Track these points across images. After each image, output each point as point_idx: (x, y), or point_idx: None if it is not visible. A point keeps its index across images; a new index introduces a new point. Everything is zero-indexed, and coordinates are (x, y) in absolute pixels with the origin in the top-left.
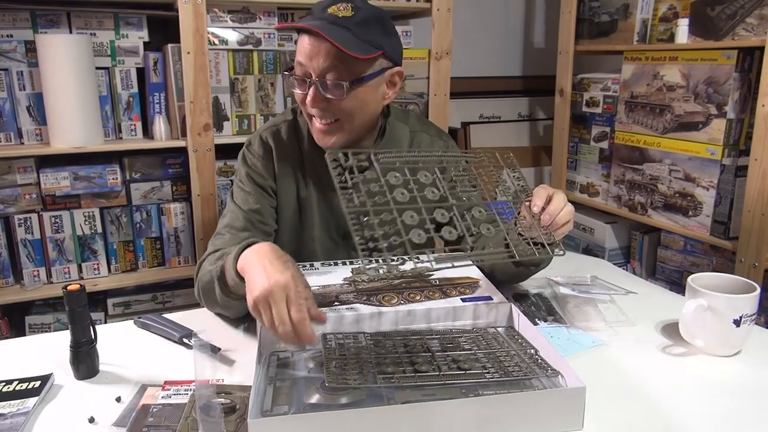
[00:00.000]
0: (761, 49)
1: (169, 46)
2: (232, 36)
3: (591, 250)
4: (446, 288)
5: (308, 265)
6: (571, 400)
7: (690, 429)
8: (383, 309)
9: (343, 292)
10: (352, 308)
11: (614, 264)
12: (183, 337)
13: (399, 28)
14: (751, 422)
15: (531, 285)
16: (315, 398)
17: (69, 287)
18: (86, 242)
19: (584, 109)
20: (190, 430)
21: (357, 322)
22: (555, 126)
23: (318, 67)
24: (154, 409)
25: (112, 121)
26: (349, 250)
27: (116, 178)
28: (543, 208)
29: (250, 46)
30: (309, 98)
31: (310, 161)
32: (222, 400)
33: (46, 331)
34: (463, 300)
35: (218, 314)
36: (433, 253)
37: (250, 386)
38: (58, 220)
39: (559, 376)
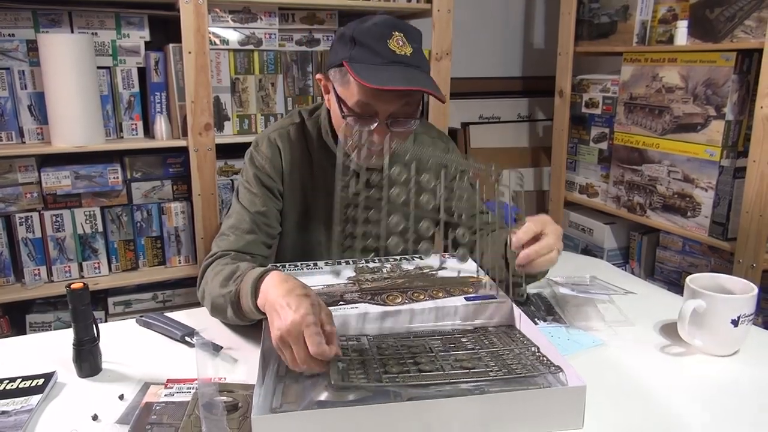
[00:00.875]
0: (760, 51)
1: (171, 45)
2: (233, 36)
3: (590, 250)
4: (450, 287)
5: (312, 265)
6: (571, 399)
7: (688, 428)
8: (387, 308)
9: (348, 291)
10: (356, 307)
11: (613, 264)
12: (185, 335)
13: None
14: (748, 421)
15: (530, 285)
16: (324, 396)
17: (72, 286)
18: (87, 241)
19: (583, 110)
20: (193, 428)
21: (362, 321)
22: (554, 127)
23: (391, 107)
24: (157, 407)
25: (113, 120)
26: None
27: (117, 178)
28: (528, 242)
29: (251, 46)
30: (380, 137)
31: (319, 165)
32: (224, 398)
33: (47, 330)
34: (467, 299)
35: None
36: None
37: (253, 384)
38: (59, 219)
39: (562, 373)
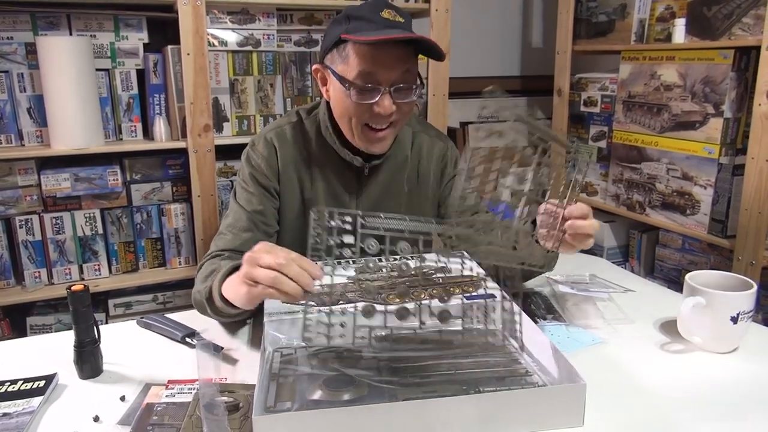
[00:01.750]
0: (757, 48)
1: (169, 47)
2: (231, 37)
3: (589, 248)
4: (450, 286)
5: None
6: (571, 397)
7: (688, 424)
8: (388, 307)
9: (348, 290)
10: (357, 306)
11: (613, 263)
12: (185, 336)
13: None
14: (747, 418)
15: (530, 283)
16: (318, 395)
17: (73, 287)
18: (87, 243)
19: (582, 108)
20: (194, 428)
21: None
22: (553, 125)
23: (393, 74)
24: (158, 408)
25: (113, 122)
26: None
27: (117, 179)
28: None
29: (249, 48)
30: (385, 108)
31: (318, 163)
32: (225, 398)
33: (48, 332)
34: (467, 298)
35: None
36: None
37: (254, 385)
38: (58, 221)
39: (557, 372)
